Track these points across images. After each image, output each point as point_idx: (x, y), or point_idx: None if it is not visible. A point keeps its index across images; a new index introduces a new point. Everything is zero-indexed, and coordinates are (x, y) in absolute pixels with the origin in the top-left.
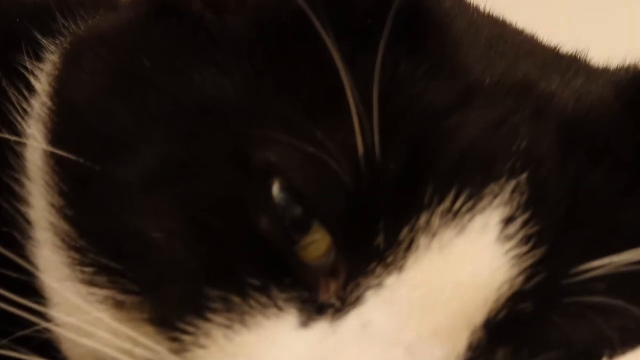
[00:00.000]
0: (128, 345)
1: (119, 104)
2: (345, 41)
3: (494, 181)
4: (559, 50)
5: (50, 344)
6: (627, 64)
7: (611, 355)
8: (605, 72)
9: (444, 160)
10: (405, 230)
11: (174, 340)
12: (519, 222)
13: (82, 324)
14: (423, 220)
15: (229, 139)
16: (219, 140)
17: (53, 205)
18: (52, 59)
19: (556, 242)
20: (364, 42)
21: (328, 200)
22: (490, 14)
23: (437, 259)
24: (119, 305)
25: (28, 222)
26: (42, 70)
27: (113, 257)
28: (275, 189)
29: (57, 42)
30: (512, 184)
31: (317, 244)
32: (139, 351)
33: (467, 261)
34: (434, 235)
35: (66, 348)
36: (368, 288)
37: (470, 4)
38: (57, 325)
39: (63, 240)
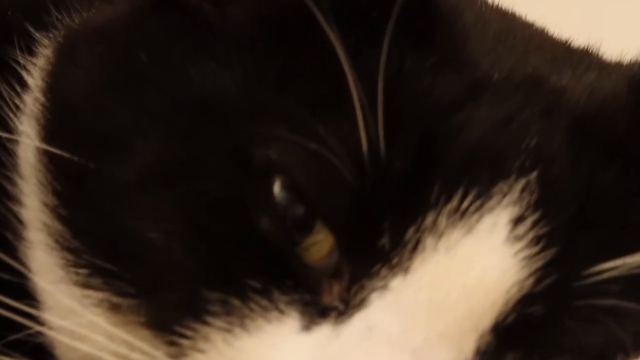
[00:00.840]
0: (124, 350)
1: (115, 99)
2: (348, 34)
3: (502, 180)
4: (569, 44)
5: (43, 348)
6: None
7: None
8: (618, 66)
9: (451, 157)
10: (411, 230)
11: (172, 344)
12: (528, 222)
13: (76, 327)
14: (429, 219)
15: (229, 135)
16: (218, 137)
17: (46, 205)
18: (45, 53)
19: (567, 243)
20: (368, 35)
21: (331, 199)
22: (499, 6)
23: (443, 260)
24: (114, 308)
25: (20, 221)
26: (34, 64)
27: (108, 258)
28: (276, 188)
29: (51, 35)
30: (522, 182)
31: (320, 245)
32: (135, 356)
33: (475, 262)
34: (440, 235)
35: (59, 352)
36: (372, 290)
37: None
38: (50, 328)
39: (56, 241)
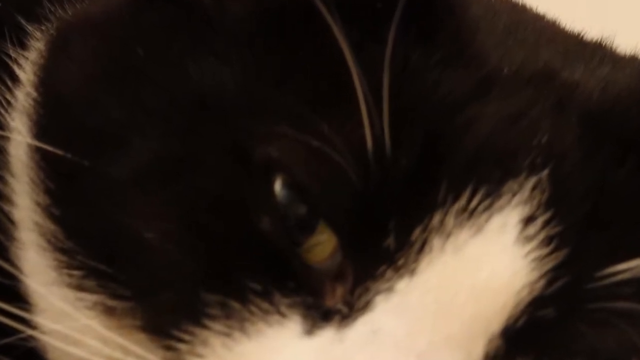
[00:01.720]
0: (119, 354)
1: (110, 94)
2: (352, 28)
3: (512, 178)
4: (582, 37)
5: (35, 353)
6: None
7: None
8: (632, 60)
9: (459, 155)
10: (417, 231)
11: (169, 348)
12: (539, 221)
13: (69, 331)
14: (436, 219)
15: (228, 132)
16: (217, 134)
17: (38, 204)
18: (37, 46)
19: (579, 243)
20: (372, 28)
21: (334, 198)
22: None
23: (451, 261)
24: (109, 311)
25: (11, 221)
26: (26, 58)
27: (103, 260)
28: (277, 186)
29: (43, 28)
30: (532, 180)
31: (322, 246)
32: None
33: (484, 264)
34: (448, 235)
35: (52, 357)
36: (377, 293)
37: None
38: (43, 332)
39: (49, 241)
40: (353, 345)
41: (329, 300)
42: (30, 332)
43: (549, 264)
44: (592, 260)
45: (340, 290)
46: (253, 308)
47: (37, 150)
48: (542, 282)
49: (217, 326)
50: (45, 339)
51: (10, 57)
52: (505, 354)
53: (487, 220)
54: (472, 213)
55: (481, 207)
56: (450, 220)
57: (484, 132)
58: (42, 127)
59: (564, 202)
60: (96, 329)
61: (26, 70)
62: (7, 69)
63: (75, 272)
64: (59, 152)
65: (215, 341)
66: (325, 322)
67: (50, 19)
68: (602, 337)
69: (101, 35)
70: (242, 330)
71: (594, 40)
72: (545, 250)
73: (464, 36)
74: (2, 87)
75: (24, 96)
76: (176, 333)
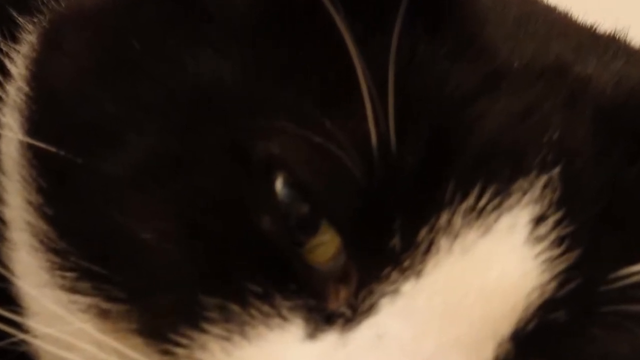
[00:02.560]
0: (114, 359)
1: (105, 89)
2: (356, 20)
3: (522, 176)
4: (595, 30)
5: (27, 357)
6: None
7: None
8: None
9: (467, 152)
10: (424, 231)
11: (165, 353)
12: (550, 221)
13: (62, 335)
14: (443, 219)
15: (227, 129)
16: (216, 130)
17: (30, 203)
18: (29, 39)
19: (592, 244)
20: (377, 20)
21: (337, 196)
22: None
23: (459, 262)
24: (103, 315)
25: (2, 221)
26: (18, 51)
27: (97, 261)
28: (279, 185)
29: (35, 20)
30: (543, 179)
31: (325, 246)
32: None
33: (493, 265)
34: (455, 236)
35: None
36: (382, 295)
37: None
38: (35, 336)
39: (41, 242)
40: (357, 350)
41: (332, 303)
42: (22, 336)
43: (561, 265)
44: (606, 262)
45: (343, 293)
46: (253, 311)
47: (29, 147)
48: (553, 284)
49: (216, 330)
50: (37, 343)
51: (1, 50)
52: (515, 358)
53: (496, 220)
54: (480, 212)
55: (490, 206)
56: (457, 220)
57: (493, 128)
58: (35, 123)
59: (576, 201)
60: (90, 332)
61: (18, 64)
62: None
63: (69, 274)
64: (52, 149)
65: (214, 345)
66: (328, 326)
67: (43, 11)
68: (616, 342)
69: (95, 28)
70: (242, 334)
71: (607, 33)
72: (557, 251)
73: (472, 28)
74: None
75: (15, 91)
76: (173, 337)
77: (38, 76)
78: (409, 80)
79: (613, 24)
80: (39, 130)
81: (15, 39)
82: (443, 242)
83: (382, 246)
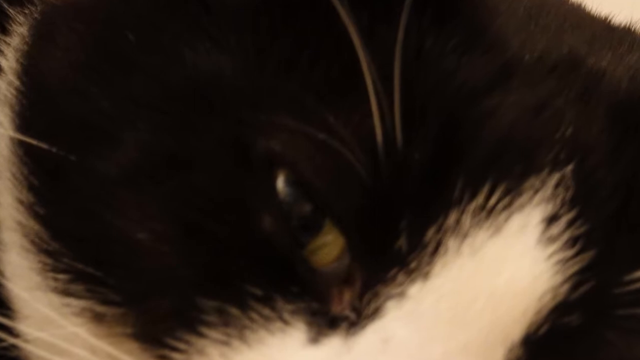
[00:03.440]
0: None
1: (98, 84)
2: (362, 11)
3: (534, 174)
4: (609, 22)
5: None
6: None
7: None
8: None
9: (477, 149)
10: (431, 231)
11: (162, 358)
12: (563, 221)
13: (55, 339)
14: (452, 219)
15: (226, 124)
16: (215, 126)
17: (21, 202)
18: (20, 31)
19: (606, 245)
20: (383, 12)
21: (341, 195)
22: None
23: (468, 264)
24: (98, 318)
25: None
26: (8, 44)
27: (91, 262)
28: (280, 183)
29: (26, 11)
30: (556, 177)
31: (329, 247)
32: None
33: (503, 267)
34: (464, 236)
35: None
36: (388, 298)
37: None
38: (26, 340)
39: (33, 242)
40: (362, 355)
41: (336, 306)
42: (12, 340)
43: (574, 266)
44: (621, 263)
45: (347, 296)
46: (253, 315)
47: (20, 144)
48: (566, 287)
49: (215, 334)
50: (29, 347)
51: None
52: None
53: (506, 220)
54: (490, 212)
55: (500, 206)
56: (466, 220)
57: (503, 124)
58: (26, 119)
59: (590, 200)
60: (84, 337)
61: (8, 57)
62: None
63: (61, 276)
64: (44, 146)
65: (213, 350)
66: (332, 330)
67: (34, 2)
68: (631, 346)
69: (88, 20)
70: (242, 338)
71: (622, 25)
72: (570, 252)
73: (483, 20)
74: None
75: (5, 85)
76: (170, 342)
77: (29, 70)
78: (416, 74)
79: (628, 16)
80: (30, 127)
81: (5, 31)
82: (451, 243)
83: (388, 247)
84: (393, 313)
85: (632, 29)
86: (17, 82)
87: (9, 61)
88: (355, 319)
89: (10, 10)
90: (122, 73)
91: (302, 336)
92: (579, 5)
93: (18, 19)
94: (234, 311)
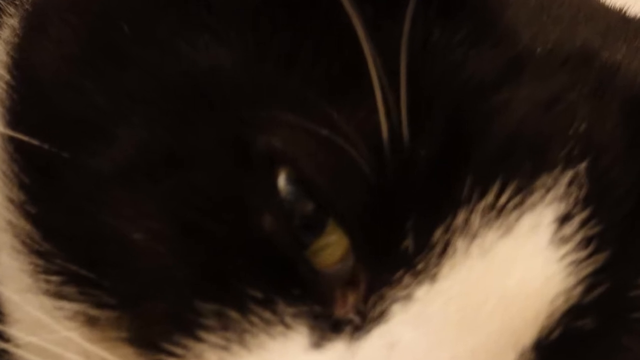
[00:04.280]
0: None
1: (92, 78)
2: (366, 3)
3: (546, 171)
4: (624, 13)
5: None
6: None
7: None
8: None
9: (486, 145)
10: (439, 231)
11: None
12: (576, 220)
13: (47, 344)
14: (460, 218)
15: (225, 120)
16: (213, 122)
17: (11, 201)
18: (10, 23)
19: (621, 245)
20: (388, 3)
21: (345, 194)
22: None
23: (477, 265)
24: (91, 322)
25: None
26: None
27: (84, 264)
28: (281, 181)
29: (17, 2)
30: (569, 174)
31: (332, 248)
32: None
33: (514, 268)
34: (473, 236)
35: None
36: (394, 301)
37: None
38: (17, 345)
39: (24, 243)
40: None
41: (340, 309)
42: (2, 345)
43: (588, 268)
44: (636, 265)
45: (352, 298)
46: (253, 318)
47: (11, 140)
48: (579, 289)
49: (213, 338)
50: (20, 352)
51: None
52: None
53: (517, 220)
54: (500, 211)
55: (511, 205)
56: (476, 220)
57: (514, 119)
58: (16, 115)
59: (605, 199)
60: (77, 341)
61: None
62: None
63: (54, 278)
64: (35, 142)
65: (211, 355)
66: (335, 334)
67: None
68: None
69: (82, 12)
70: (241, 343)
71: (637, 17)
72: (583, 253)
73: (492, 11)
74: None
75: None
76: (167, 346)
77: (20, 63)
78: (423, 68)
79: None
80: (21, 122)
81: None
82: (460, 244)
83: (394, 248)
84: (399, 316)
85: None
86: (7, 76)
87: None
88: (359, 322)
89: (1, 1)
90: (117, 67)
91: (304, 341)
92: None
93: (8, 10)
94: (233, 314)
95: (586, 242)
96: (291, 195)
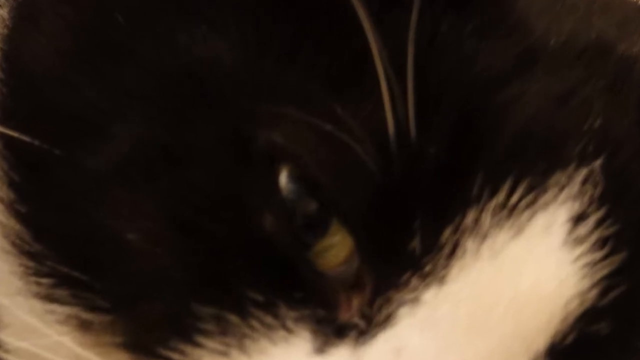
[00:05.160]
0: None
1: (86, 72)
2: None
3: (560, 169)
4: None
5: None
6: None
7: None
8: None
9: (497, 141)
10: (448, 231)
11: None
12: (591, 220)
13: (38, 349)
14: (470, 218)
15: (224, 115)
16: (212, 117)
17: (1, 200)
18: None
19: (638, 246)
20: None
21: (350, 192)
22: None
23: (487, 267)
24: (84, 326)
25: None
26: None
27: (77, 265)
28: (283, 179)
29: None
30: (583, 172)
31: (336, 249)
32: None
33: (526, 270)
34: (483, 237)
35: None
36: (401, 304)
37: None
38: (7, 350)
39: (13, 244)
40: None
41: (344, 313)
42: None
43: (603, 270)
44: None
45: (356, 301)
46: (254, 322)
47: (0, 136)
48: (594, 292)
49: (212, 344)
50: (9, 358)
51: None
52: None
53: (530, 219)
54: (512, 210)
55: (523, 204)
56: (486, 219)
57: (526, 114)
58: (6, 109)
59: (621, 198)
60: (69, 346)
61: None
62: None
63: (45, 280)
64: (26, 138)
65: None
66: (340, 339)
67: None
68: None
69: (76, 4)
70: (241, 348)
71: None
72: (599, 254)
73: (503, 1)
74: None
75: None
76: (164, 352)
77: (11, 56)
78: (431, 61)
79: None
80: (11, 118)
81: None
82: (469, 245)
83: (401, 249)
84: (406, 320)
85: None
86: None
87: None
88: (364, 326)
89: None
90: (113, 61)
91: (307, 346)
92: None
93: None
94: (233, 318)
95: (602, 242)
96: (293, 194)
